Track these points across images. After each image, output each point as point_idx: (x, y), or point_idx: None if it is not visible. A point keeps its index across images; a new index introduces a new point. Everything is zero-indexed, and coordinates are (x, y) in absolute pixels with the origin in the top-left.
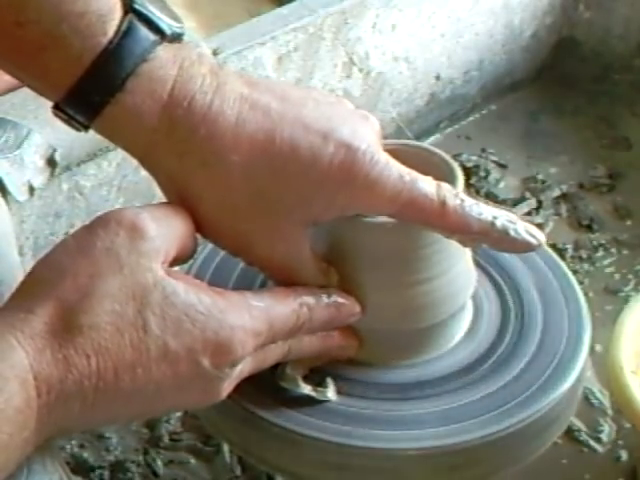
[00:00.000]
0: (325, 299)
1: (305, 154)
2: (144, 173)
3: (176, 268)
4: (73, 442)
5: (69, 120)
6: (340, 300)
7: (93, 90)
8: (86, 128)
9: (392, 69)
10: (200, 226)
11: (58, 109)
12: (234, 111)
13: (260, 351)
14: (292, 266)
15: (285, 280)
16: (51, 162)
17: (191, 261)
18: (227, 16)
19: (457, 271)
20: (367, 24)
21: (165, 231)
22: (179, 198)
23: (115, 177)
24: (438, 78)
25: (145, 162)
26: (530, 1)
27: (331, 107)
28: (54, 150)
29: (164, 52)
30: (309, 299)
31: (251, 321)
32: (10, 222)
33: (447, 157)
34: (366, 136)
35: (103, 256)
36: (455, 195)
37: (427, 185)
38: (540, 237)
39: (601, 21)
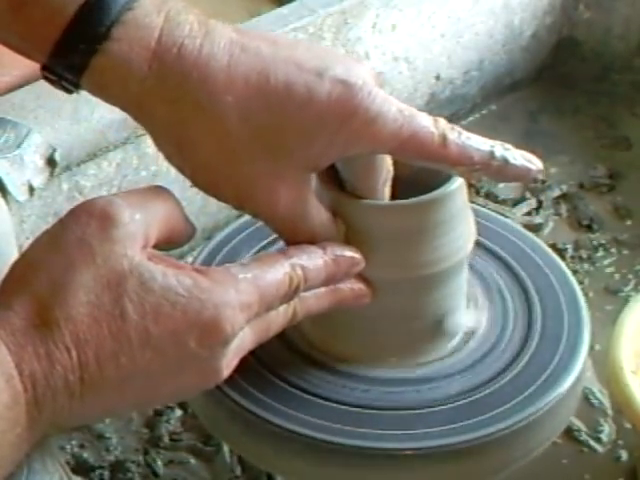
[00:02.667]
0: (320, 255)
1: (301, 91)
2: (144, 173)
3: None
4: (73, 442)
5: (59, 81)
6: (338, 253)
7: (79, 40)
8: (77, 87)
9: (392, 69)
10: (199, 177)
11: (47, 70)
12: (225, 54)
13: (259, 321)
14: (297, 213)
15: (291, 231)
16: (51, 162)
17: (190, 259)
18: (227, 16)
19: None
20: (367, 24)
21: (142, 215)
22: (175, 148)
23: (115, 177)
24: (438, 78)
25: (138, 114)
26: (530, 1)
27: (323, 50)
28: (54, 150)
29: (149, 1)
30: (301, 259)
31: (237, 295)
32: (10, 222)
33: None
34: (361, 73)
35: (75, 248)
36: (452, 128)
37: (426, 119)
38: (538, 163)
39: (601, 21)
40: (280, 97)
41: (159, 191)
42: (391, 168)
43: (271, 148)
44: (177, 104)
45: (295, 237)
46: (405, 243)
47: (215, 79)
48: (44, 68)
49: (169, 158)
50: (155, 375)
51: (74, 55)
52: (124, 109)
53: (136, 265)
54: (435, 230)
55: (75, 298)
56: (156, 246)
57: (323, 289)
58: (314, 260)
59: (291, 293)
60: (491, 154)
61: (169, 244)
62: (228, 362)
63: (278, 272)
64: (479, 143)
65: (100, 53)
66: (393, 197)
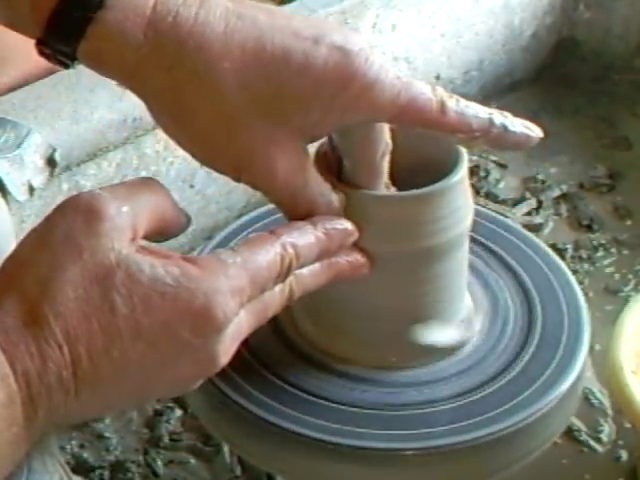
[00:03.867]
0: (311, 231)
1: (298, 58)
2: (144, 173)
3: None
4: (73, 442)
5: (54, 54)
6: (329, 226)
7: (74, 8)
8: (73, 60)
9: (392, 68)
10: (196, 147)
11: (42, 44)
12: (221, 22)
13: (255, 303)
14: (296, 182)
15: (290, 201)
16: (51, 162)
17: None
18: None
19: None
20: (367, 24)
21: (129, 207)
22: (172, 117)
23: (115, 177)
24: (438, 78)
25: (134, 84)
26: (530, 1)
27: (319, 20)
28: (54, 150)
29: None
30: (291, 236)
31: (227, 281)
32: (10, 222)
33: (449, 136)
34: (358, 40)
35: (62, 245)
36: (450, 96)
37: (424, 86)
38: (537, 130)
39: (601, 21)
40: (277, 64)
41: (147, 182)
42: (389, 141)
43: (268, 115)
44: (173, 72)
45: (295, 208)
46: (405, 228)
47: (211, 46)
48: (39, 42)
49: (166, 129)
50: (150, 367)
51: (69, 24)
52: (120, 80)
53: (124, 258)
54: (434, 215)
55: (63, 294)
56: (147, 237)
57: (318, 264)
58: (305, 236)
59: (284, 272)
60: (490, 121)
61: (161, 235)
62: (225, 349)
63: (268, 253)
64: (478, 111)
65: (95, 22)
66: (395, 185)
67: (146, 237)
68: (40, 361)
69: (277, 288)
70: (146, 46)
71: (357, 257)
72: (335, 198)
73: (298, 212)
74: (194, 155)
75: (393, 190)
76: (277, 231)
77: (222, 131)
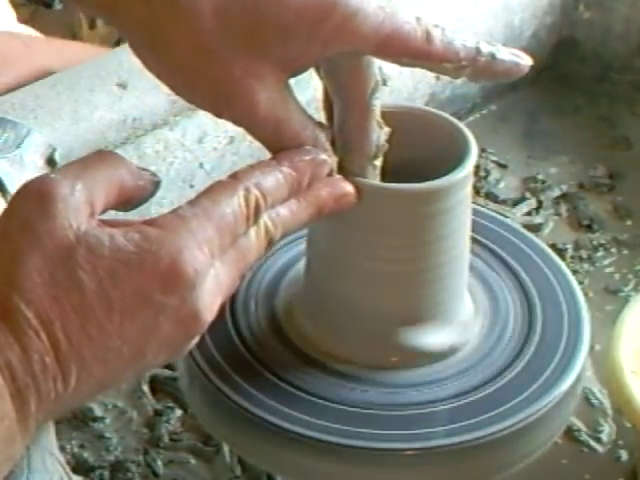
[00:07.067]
0: (274, 167)
1: None
2: None
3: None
4: (73, 442)
5: None
6: (296, 158)
7: None
8: None
9: (392, 69)
10: (176, 81)
11: None
12: None
13: (230, 252)
14: (279, 116)
15: (274, 137)
16: (51, 162)
17: None
18: None
19: None
20: None
21: (82, 184)
22: (151, 50)
23: None
24: (438, 78)
25: (113, 17)
26: (530, 1)
27: None
28: (54, 150)
29: None
30: (253, 177)
31: (191, 235)
32: None
33: (457, 122)
34: None
35: (19, 233)
36: (435, 25)
37: (407, 15)
38: (526, 58)
39: (601, 21)
40: None
41: (100, 156)
42: (379, 79)
43: (247, 47)
44: (150, 2)
45: (280, 144)
46: (408, 223)
47: None
48: None
49: (145, 62)
50: (132, 337)
51: None
52: (99, 13)
53: (83, 235)
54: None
55: (30, 281)
56: (112, 209)
57: (295, 201)
58: (269, 174)
59: (252, 214)
60: (477, 50)
61: (127, 204)
62: (207, 305)
63: (231, 197)
64: (464, 40)
65: None
66: (397, 180)
67: (109, 209)
68: (20, 350)
69: (251, 232)
70: None
71: (341, 186)
72: (322, 132)
73: (283, 149)
74: (173, 88)
75: (379, 162)
76: (238, 174)
77: (200, 63)
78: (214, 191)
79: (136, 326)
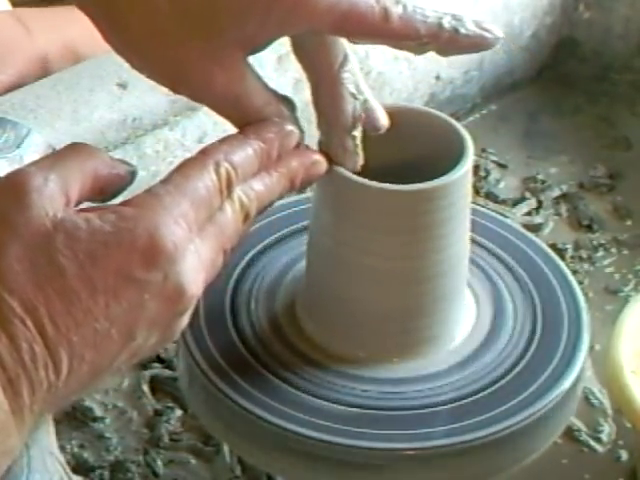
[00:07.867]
0: (242, 141)
1: None
2: (144, 173)
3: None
4: (73, 442)
5: None
6: (263, 131)
7: None
8: None
9: (392, 69)
10: (134, 58)
11: None
12: None
13: (207, 227)
14: (237, 93)
15: (235, 112)
16: None
17: None
18: None
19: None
20: None
21: (55, 175)
22: (107, 26)
23: None
24: (438, 78)
25: None
26: (530, 1)
27: None
28: (54, 150)
29: None
30: (222, 151)
31: (165, 211)
32: None
33: (454, 122)
34: None
35: None
36: (397, 2)
37: None
38: (496, 31)
39: (601, 21)
40: None
41: (74, 147)
42: (349, 52)
43: (202, 29)
44: None
45: (244, 120)
46: (405, 222)
47: None
48: None
49: (104, 37)
50: (119, 318)
51: None
52: None
53: (60, 221)
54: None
55: (11, 271)
56: (89, 200)
57: (266, 174)
58: (237, 147)
59: (225, 187)
60: (439, 25)
61: (103, 194)
62: (191, 280)
63: (201, 173)
64: (426, 15)
65: None
66: (396, 180)
67: (86, 199)
68: (8, 340)
69: (227, 206)
70: None
71: (309, 155)
72: (283, 107)
73: (248, 124)
74: (132, 64)
75: (359, 132)
76: (206, 150)
77: (155, 44)
78: (185, 167)
79: (122, 306)
